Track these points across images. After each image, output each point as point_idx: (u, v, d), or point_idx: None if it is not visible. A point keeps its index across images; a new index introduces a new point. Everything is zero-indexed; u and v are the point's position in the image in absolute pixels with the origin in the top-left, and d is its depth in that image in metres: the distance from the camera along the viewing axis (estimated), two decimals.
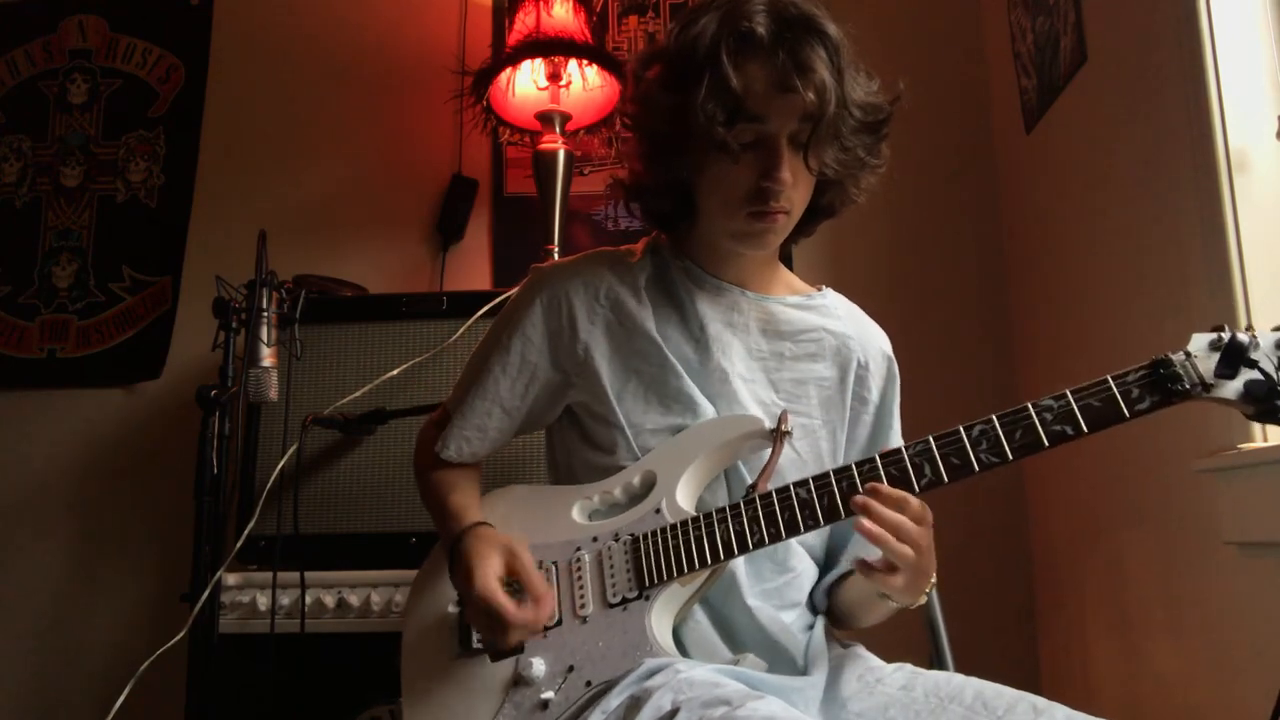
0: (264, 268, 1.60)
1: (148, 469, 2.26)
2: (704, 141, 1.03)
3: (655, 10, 2.45)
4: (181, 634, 1.54)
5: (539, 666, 1.01)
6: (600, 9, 2.42)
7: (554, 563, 1.08)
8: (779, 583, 1.10)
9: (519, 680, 1.02)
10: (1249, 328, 0.90)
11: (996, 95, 2.30)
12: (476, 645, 1.06)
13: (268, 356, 1.56)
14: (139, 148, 2.46)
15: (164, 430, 2.27)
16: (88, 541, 2.26)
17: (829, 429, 1.16)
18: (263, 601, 1.64)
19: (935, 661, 1.41)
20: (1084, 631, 1.89)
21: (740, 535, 1.00)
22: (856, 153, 1.09)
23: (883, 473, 0.96)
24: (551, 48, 1.99)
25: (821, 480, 0.99)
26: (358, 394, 1.74)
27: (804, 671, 1.03)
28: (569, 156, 2.05)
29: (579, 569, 1.06)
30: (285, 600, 1.64)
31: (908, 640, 1.35)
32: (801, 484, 1.00)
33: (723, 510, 1.02)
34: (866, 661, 1.10)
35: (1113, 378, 0.91)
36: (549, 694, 0.99)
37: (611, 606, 1.03)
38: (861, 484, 0.96)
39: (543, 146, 2.04)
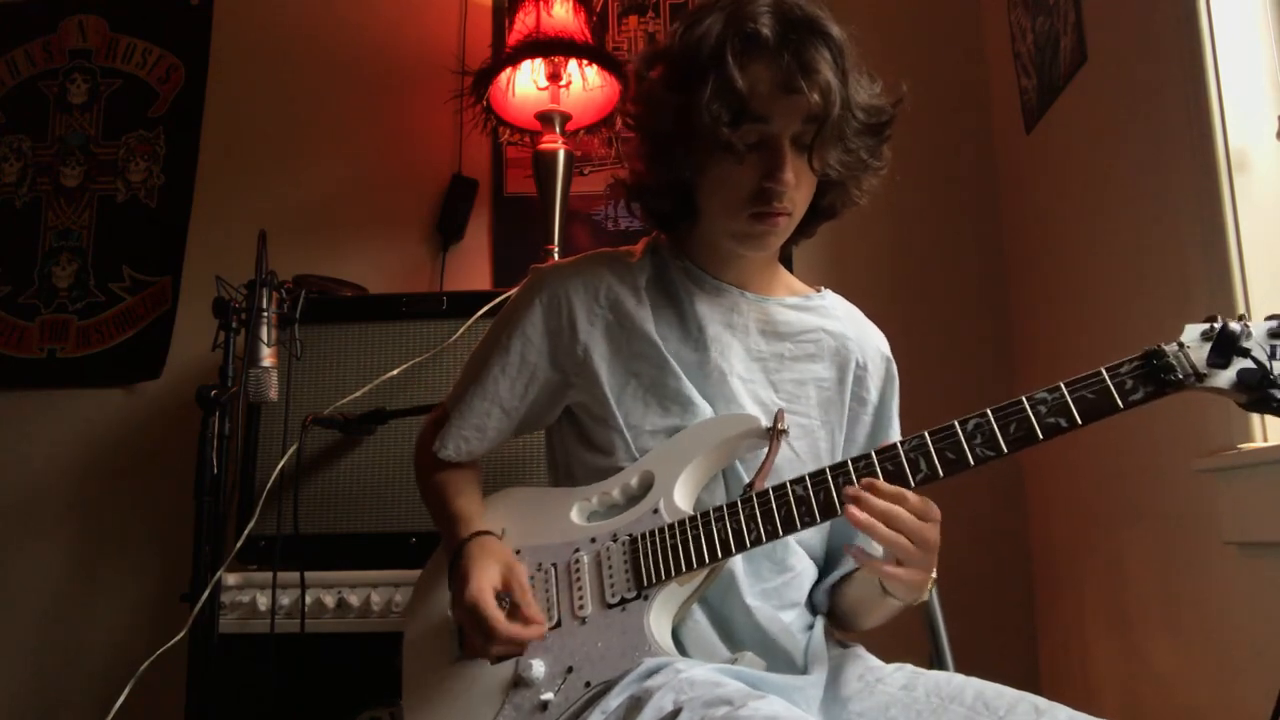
0: (264, 268, 1.60)
1: (148, 469, 2.26)
2: (708, 142, 1.03)
3: (655, 10, 2.44)
4: (181, 634, 1.54)
5: (538, 668, 1.01)
6: (600, 9, 2.42)
7: (553, 564, 1.08)
8: (778, 582, 1.10)
9: (518, 682, 1.02)
10: (1241, 317, 0.89)
11: (996, 95, 2.30)
12: None
13: (268, 356, 1.56)
14: (139, 148, 2.46)
15: (164, 430, 2.27)
16: (88, 541, 2.26)
17: (828, 429, 1.16)
18: (263, 601, 1.64)
19: (935, 661, 1.41)
20: (1083, 631, 1.89)
21: (738, 533, 1.00)
22: (859, 154, 1.09)
23: (878, 468, 0.96)
24: (551, 48, 1.99)
25: (818, 477, 0.99)
26: (358, 394, 1.74)
27: (803, 671, 1.03)
28: (569, 156, 2.05)
29: (577, 570, 1.06)
30: (285, 600, 1.64)
31: (908, 640, 1.34)
32: (798, 481, 1.00)
33: (720, 509, 1.02)
34: (866, 661, 1.10)
35: (1106, 369, 0.91)
36: (548, 695, 0.99)
37: (610, 607, 1.03)
38: (857, 479, 0.96)
39: (543, 146, 2.04)
